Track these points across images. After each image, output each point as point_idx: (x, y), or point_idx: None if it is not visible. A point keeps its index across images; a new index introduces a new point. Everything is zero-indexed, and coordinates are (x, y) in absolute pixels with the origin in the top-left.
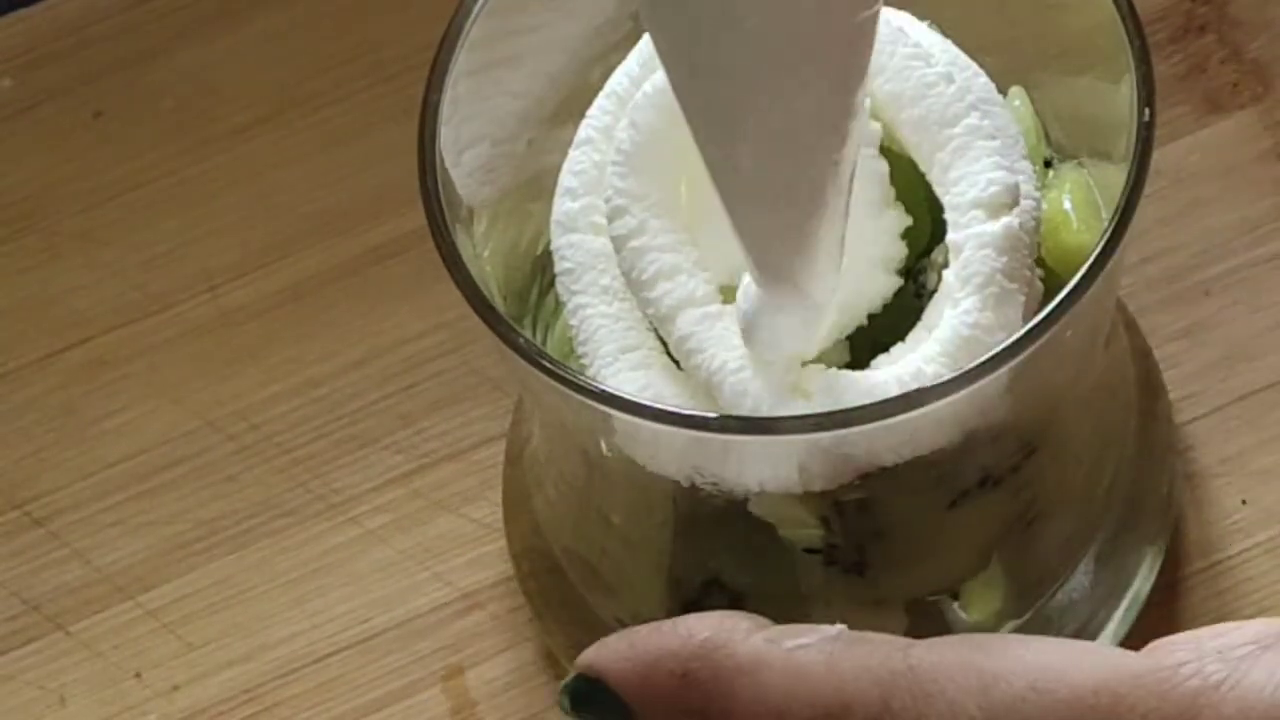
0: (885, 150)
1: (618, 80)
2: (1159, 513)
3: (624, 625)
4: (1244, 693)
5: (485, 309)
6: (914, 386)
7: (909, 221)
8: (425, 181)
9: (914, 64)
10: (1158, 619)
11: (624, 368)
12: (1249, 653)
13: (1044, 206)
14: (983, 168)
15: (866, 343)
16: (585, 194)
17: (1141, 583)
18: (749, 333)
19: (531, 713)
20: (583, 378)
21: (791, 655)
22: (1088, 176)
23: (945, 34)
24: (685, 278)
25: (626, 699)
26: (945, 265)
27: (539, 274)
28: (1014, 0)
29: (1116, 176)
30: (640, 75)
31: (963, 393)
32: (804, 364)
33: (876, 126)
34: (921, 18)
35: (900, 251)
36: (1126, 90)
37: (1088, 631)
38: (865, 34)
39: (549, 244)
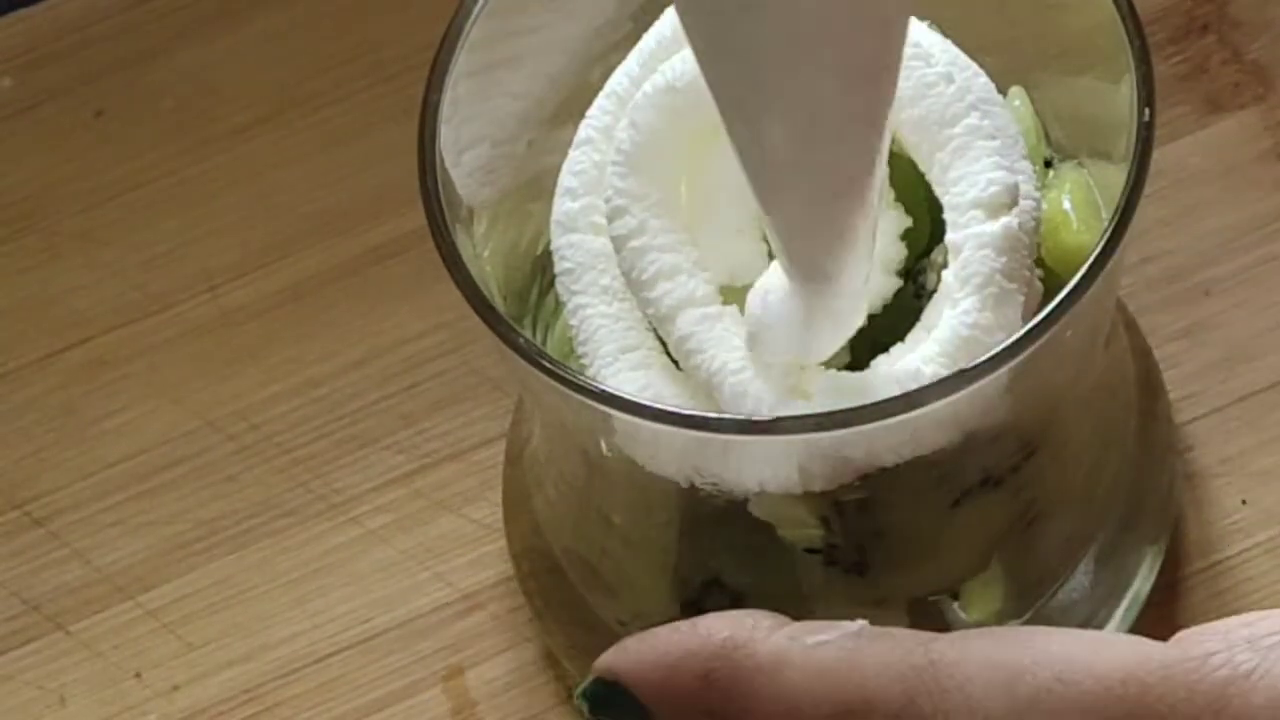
0: None
1: (618, 80)
2: (1159, 513)
3: (624, 625)
4: (1274, 681)
5: (485, 309)
6: (913, 387)
7: (909, 222)
8: (425, 181)
9: (914, 64)
10: (1158, 619)
11: (624, 368)
12: (1278, 642)
13: (1044, 206)
14: (982, 168)
15: (866, 343)
16: (585, 194)
17: (1141, 583)
18: (776, 336)
19: (531, 713)
20: (583, 378)
21: (812, 652)
22: (1088, 176)
23: (945, 34)
24: (685, 278)
25: (645, 701)
26: (945, 265)
27: (539, 274)
28: (1014, 0)
29: (1116, 176)
30: (640, 75)
31: (962, 393)
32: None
33: None
34: (921, 18)
35: (900, 252)
36: (1126, 90)
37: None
38: (891, 25)
39: (549, 244)
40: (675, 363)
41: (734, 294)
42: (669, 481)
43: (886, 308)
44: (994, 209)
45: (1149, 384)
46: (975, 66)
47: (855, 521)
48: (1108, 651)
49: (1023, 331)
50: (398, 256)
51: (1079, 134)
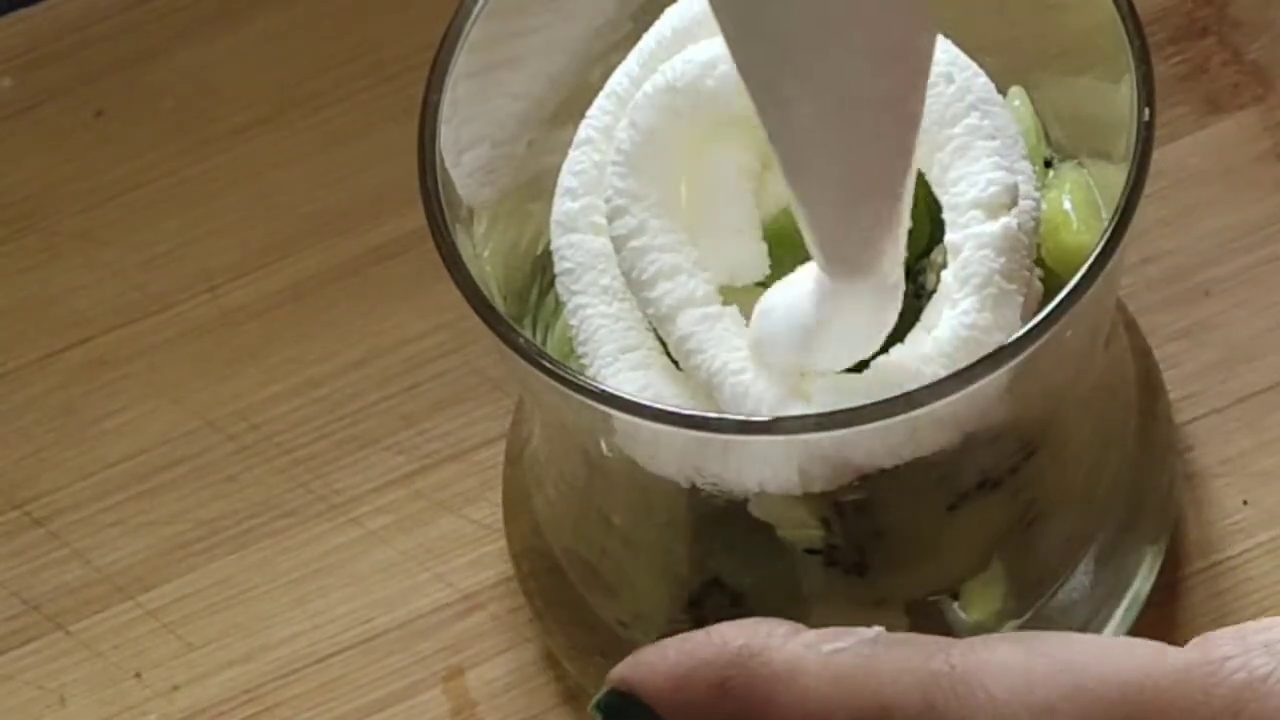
0: None
1: (618, 80)
2: (1159, 513)
3: (624, 626)
4: None
5: (485, 309)
6: (913, 387)
7: (908, 223)
8: (425, 181)
9: None
10: (1158, 619)
11: (624, 368)
12: None
13: (1044, 206)
14: (982, 168)
15: None
16: (585, 194)
17: (1141, 583)
18: (812, 342)
19: (532, 713)
20: (583, 378)
21: (829, 659)
22: (1088, 176)
23: (945, 34)
24: (685, 278)
25: (660, 712)
26: (944, 266)
27: (539, 274)
28: (1014, 0)
29: (1116, 176)
30: (640, 75)
31: (962, 393)
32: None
33: None
34: None
35: None
36: (1126, 90)
37: (1088, 631)
38: (920, 6)
39: (549, 244)
40: (675, 363)
41: (734, 294)
42: (669, 482)
43: None
44: (993, 209)
45: (1149, 384)
46: (975, 66)
47: (855, 522)
48: (1125, 656)
49: (1022, 331)
50: (398, 256)
51: (1079, 134)
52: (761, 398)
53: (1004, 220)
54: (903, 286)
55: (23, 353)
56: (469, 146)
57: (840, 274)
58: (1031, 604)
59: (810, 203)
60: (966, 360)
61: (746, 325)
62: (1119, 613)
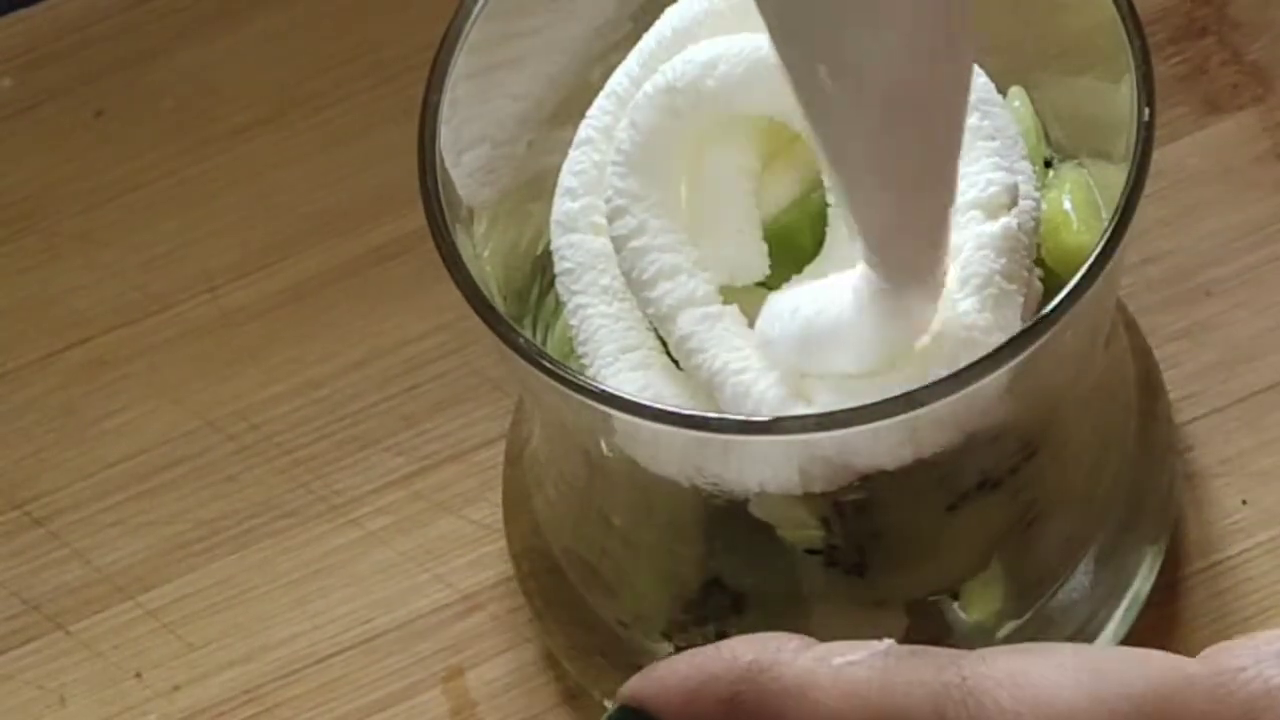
0: None
1: (618, 80)
2: (1159, 513)
3: (624, 626)
4: None
5: (485, 309)
6: (913, 387)
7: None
8: (425, 182)
9: None
10: (1158, 619)
11: (624, 368)
12: None
13: (1044, 207)
14: (982, 168)
15: None
16: (585, 194)
17: (1141, 583)
18: (844, 344)
19: (531, 713)
20: (583, 378)
21: (841, 673)
22: (1088, 176)
23: None
24: (685, 278)
25: None
26: None
27: (539, 274)
28: (1015, 0)
29: (1116, 176)
30: (640, 75)
31: (962, 393)
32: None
33: None
34: None
35: None
36: (1126, 90)
37: (1088, 631)
38: None
39: (549, 244)
40: (675, 363)
41: (734, 294)
42: (670, 482)
43: None
44: (993, 209)
45: (1149, 384)
46: (975, 66)
47: (855, 522)
48: (1139, 667)
49: (1022, 331)
50: (398, 257)
51: (1079, 134)
52: (762, 398)
53: (1004, 220)
54: (944, 287)
55: (23, 353)
56: (469, 146)
57: (892, 272)
58: (1031, 604)
59: (863, 203)
60: (967, 360)
61: (747, 325)
62: (1119, 613)
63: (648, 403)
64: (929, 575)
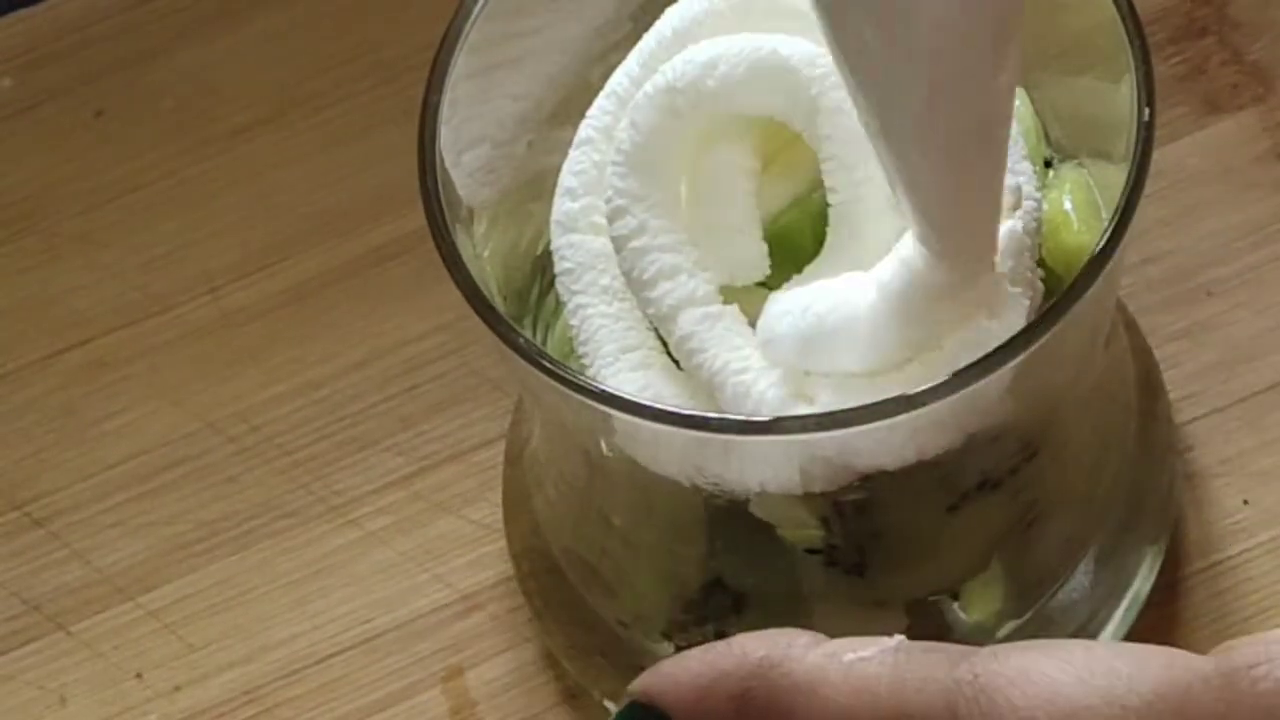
0: None
1: (618, 80)
2: (1159, 513)
3: (624, 626)
4: None
5: (485, 309)
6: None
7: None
8: (425, 182)
9: None
10: (1158, 619)
11: (624, 368)
12: None
13: (1044, 207)
14: None
15: None
16: (585, 194)
17: (1141, 583)
18: (868, 342)
19: (532, 713)
20: (583, 378)
21: (851, 669)
22: (1088, 176)
23: None
24: (686, 278)
25: None
26: None
27: (539, 274)
28: None
29: (1116, 176)
30: (640, 75)
31: (962, 393)
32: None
33: None
34: None
35: None
36: (1126, 90)
37: (1088, 632)
38: None
39: (549, 244)
40: (676, 363)
41: (734, 294)
42: (670, 482)
43: None
44: None
45: (1149, 384)
46: None
47: (855, 522)
48: (1150, 665)
49: (1022, 331)
50: (398, 257)
51: (1079, 134)
52: (763, 398)
53: (1009, 224)
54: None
55: (23, 353)
56: (469, 146)
57: (950, 252)
58: (1031, 604)
59: (918, 187)
60: (966, 360)
61: (747, 325)
62: (1119, 613)
63: (648, 403)
64: (929, 575)
